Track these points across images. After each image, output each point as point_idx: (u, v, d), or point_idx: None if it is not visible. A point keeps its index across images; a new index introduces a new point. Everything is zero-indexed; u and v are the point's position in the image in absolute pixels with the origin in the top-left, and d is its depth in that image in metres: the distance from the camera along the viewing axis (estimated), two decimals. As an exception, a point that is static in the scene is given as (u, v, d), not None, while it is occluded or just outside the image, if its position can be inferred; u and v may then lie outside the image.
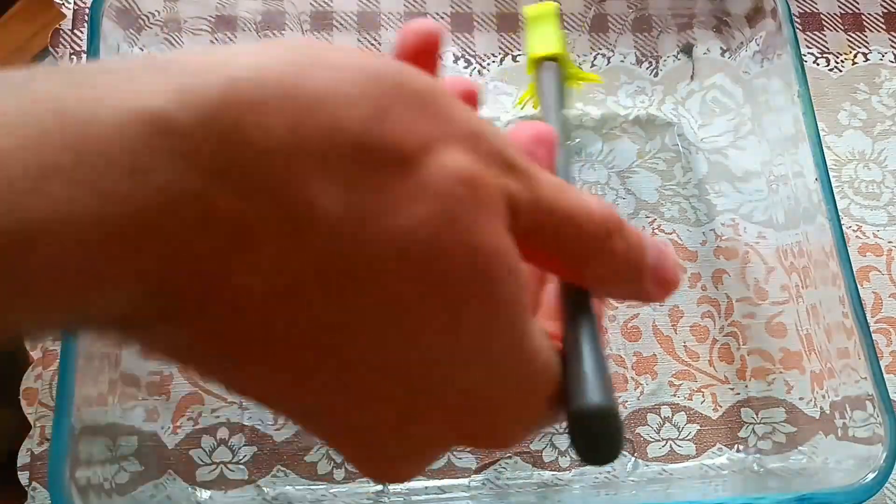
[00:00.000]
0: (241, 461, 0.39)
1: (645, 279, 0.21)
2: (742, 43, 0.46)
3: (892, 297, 0.46)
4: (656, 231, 0.46)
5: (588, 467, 0.40)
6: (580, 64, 0.49)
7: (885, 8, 0.53)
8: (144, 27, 0.41)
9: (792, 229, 0.43)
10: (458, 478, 0.40)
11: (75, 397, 0.31)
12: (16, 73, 0.15)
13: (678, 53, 0.49)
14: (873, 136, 0.50)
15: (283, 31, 0.47)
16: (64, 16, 0.47)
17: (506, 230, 0.18)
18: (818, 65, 0.51)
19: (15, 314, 0.14)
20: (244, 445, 0.40)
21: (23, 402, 0.39)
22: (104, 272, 0.14)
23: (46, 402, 0.39)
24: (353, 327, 0.17)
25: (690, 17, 0.48)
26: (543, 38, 0.32)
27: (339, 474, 0.39)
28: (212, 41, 0.45)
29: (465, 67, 0.49)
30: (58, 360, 0.32)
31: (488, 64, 0.49)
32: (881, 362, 0.39)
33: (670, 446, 0.41)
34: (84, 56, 0.43)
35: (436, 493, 0.39)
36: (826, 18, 0.53)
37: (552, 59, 0.32)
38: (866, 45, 0.52)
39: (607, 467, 0.41)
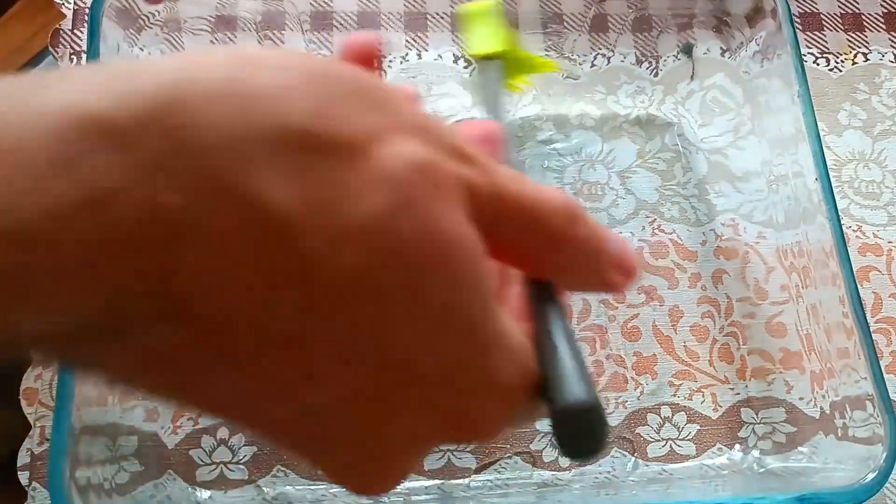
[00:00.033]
0: (241, 461, 0.39)
1: (607, 266, 0.22)
2: (742, 43, 0.46)
3: (892, 297, 0.46)
4: (656, 231, 0.46)
5: (588, 467, 0.40)
6: (580, 62, 0.49)
7: (885, 8, 0.53)
8: (144, 27, 0.41)
9: (792, 229, 0.43)
10: (458, 478, 0.40)
11: (75, 397, 0.31)
12: None
13: (678, 53, 0.49)
14: (873, 136, 0.50)
15: (283, 31, 0.47)
16: (64, 16, 0.47)
17: (465, 217, 0.18)
18: (818, 65, 0.51)
19: None
20: (244, 445, 0.40)
21: (23, 402, 0.39)
22: (51, 274, 0.14)
23: (46, 402, 0.39)
24: (317, 321, 0.16)
25: (690, 17, 0.48)
26: (482, 37, 0.32)
27: (339, 474, 0.39)
28: (212, 41, 0.45)
29: (465, 67, 0.49)
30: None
31: (488, 64, 0.49)
32: (881, 362, 0.39)
33: (670, 446, 0.41)
34: (84, 56, 0.43)
35: (436, 493, 0.39)
36: (826, 18, 0.53)
37: (493, 57, 0.31)
38: (866, 45, 0.52)
39: (607, 467, 0.41)
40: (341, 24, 0.48)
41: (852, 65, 0.51)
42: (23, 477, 0.38)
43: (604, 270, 0.22)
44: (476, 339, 0.18)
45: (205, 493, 0.38)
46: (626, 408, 0.42)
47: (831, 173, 0.45)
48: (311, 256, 0.16)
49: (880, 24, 0.53)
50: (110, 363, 0.17)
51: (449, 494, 0.39)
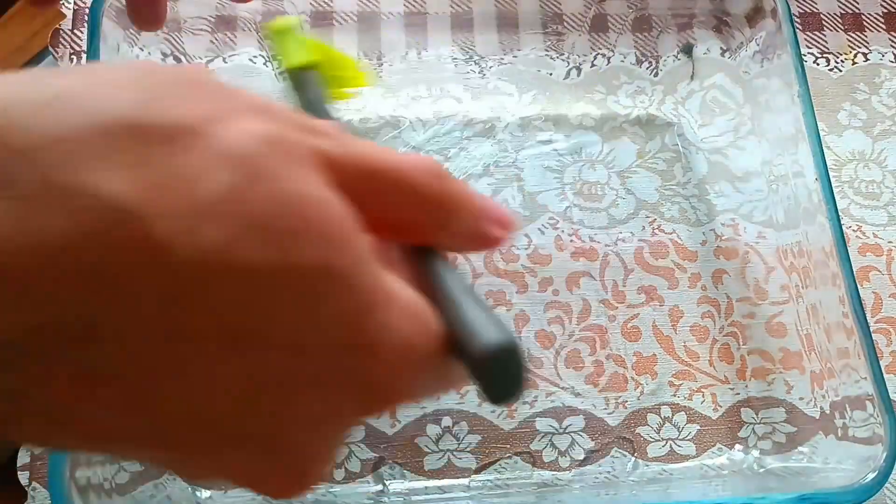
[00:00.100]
0: (241, 461, 0.39)
1: (483, 220, 0.22)
2: (742, 43, 0.46)
3: (892, 297, 0.46)
4: (656, 231, 0.46)
5: (588, 467, 0.40)
6: (581, 62, 0.49)
7: (885, 8, 0.53)
8: (144, 27, 0.41)
9: (792, 229, 0.43)
10: (458, 478, 0.40)
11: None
12: None
13: (678, 53, 0.49)
14: (873, 136, 0.50)
15: (283, 31, 0.47)
16: (64, 16, 0.47)
17: (323, 183, 0.17)
18: (818, 65, 0.51)
19: None
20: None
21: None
22: None
23: (46, 402, 0.39)
24: (187, 309, 0.15)
25: (690, 17, 0.48)
26: (292, 50, 0.32)
27: (338, 474, 0.39)
28: (212, 41, 0.45)
29: (465, 67, 0.49)
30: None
31: (488, 64, 0.49)
32: (881, 362, 0.39)
33: (670, 446, 0.41)
34: (84, 56, 0.43)
35: (436, 493, 0.39)
36: (826, 18, 0.53)
37: (307, 68, 0.32)
38: (866, 45, 0.52)
39: (607, 467, 0.41)
40: (341, 25, 0.48)
41: (852, 65, 0.51)
42: (23, 477, 0.38)
43: (482, 224, 0.22)
44: (360, 300, 0.17)
45: (205, 493, 0.38)
46: (626, 408, 0.42)
47: (831, 173, 0.45)
48: (165, 241, 0.15)
49: (880, 24, 0.53)
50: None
51: (449, 494, 0.39)
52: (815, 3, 0.53)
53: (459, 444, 0.40)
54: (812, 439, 0.40)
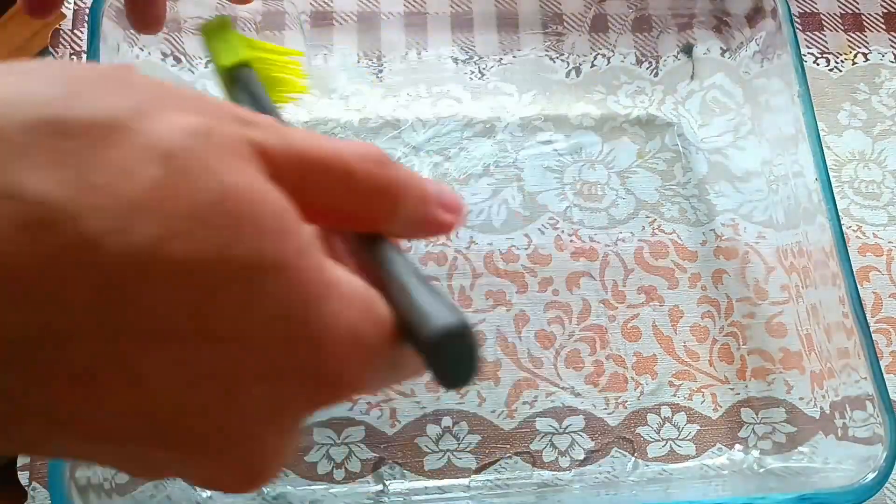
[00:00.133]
0: (241, 461, 0.39)
1: (432, 204, 0.21)
2: (742, 43, 0.46)
3: (892, 297, 0.46)
4: (656, 231, 0.46)
5: (588, 467, 0.40)
6: (581, 62, 0.49)
7: (885, 8, 0.53)
8: (144, 27, 0.41)
9: (792, 229, 0.43)
10: (458, 478, 0.40)
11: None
12: None
13: (678, 53, 0.49)
14: (873, 136, 0.50)
15: (282, 31, 0.47)
16: (64, 16, 0.47)
17: (260, 174, 0.17)
18: (818, 65, 0.51)
19: None
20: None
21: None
22: None
23: (46, 402, 0.39)
24: (122, 306, 0.15)
25: (690, 17, 0.48)
26: (227, 48, 0.32)
27: (339, 474, 0.39)
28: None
29: (465, 66, 0.49)
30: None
31: (488, 64, 0.49)
32: (881, 362, 0.39)
33: (670, 446, 0.41)
34: (84, 56, 0.43)
35: (436, 493, 0.39)
36: (826, 18, 0.53)
37: (242, 66, 0.31)
38: (866, 45, 0.52)
39: (607, 467, 0.41)
40: (341, 25, 0.48)
41: (852, 65, 0.52)
42: (23, 477, 0.38)
43: (430, 209, 0.21)
44: (302, 293, 0.17)
45: (205, 493, 0.38)
46: (626, 408, 0.42)
47: (831, 173, 0.45)
48: (95, 239, 0.15)
49: (880, 24, 0.53)
50: None
51: (449, 494, 0.39)
52: (815, 3, 0.53)
53: (459, 444, 0.40)
54: (812, 439, 0.40)
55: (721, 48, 0.48)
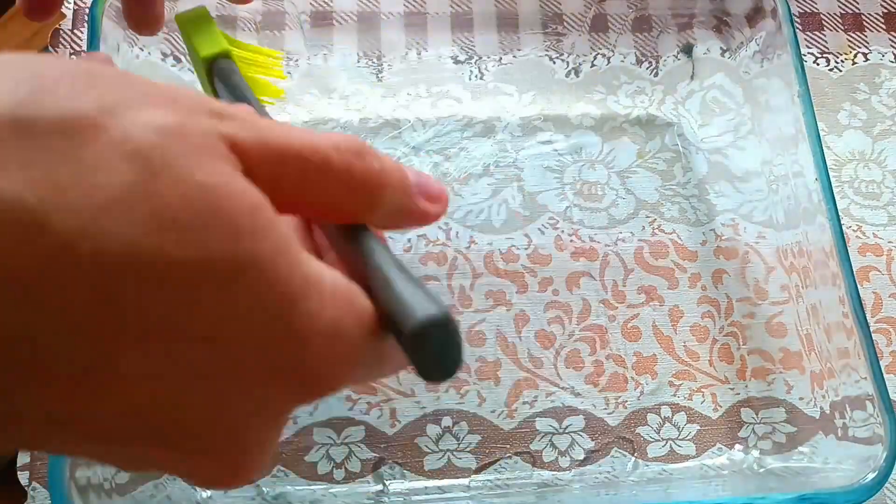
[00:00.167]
0: (241, 461, 0.39)
1: (413, 194, 0.21)
2: (742, 43, 0.46)
3: (892, 297, 0.46)
4: (656, 231, 0.46)
5: (588, 467, 0.40)
6: (580, 62, 0.49)
7: (885, 8, 0.53)
8: (144, 27, 0.41)
9: (792, 229, 0.43)
10: (458, 478, 0.40)
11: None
12: None
13: (678, 53, 0.49)
14: (873, 136, 0.50)
15: (282, 31, 0.47)
16: (64, 16, 0.47)
17: (234, 170, 0.17)
18: (818, 65, 0.51)
19: None
20: (244, 445, 0.39)
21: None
22: None
23: (46, 402, 0.39)
24: (101, 307, 0.15)
25: (690, 17, 0.48)
26: (207, 39, 0.31)
27: (339, 474, 0.39)
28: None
29: (465, 66, 0.49)
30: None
31: (488, 64, 0.49)
32: (881, 362, 0.39)
33: (670, 446, 0.41)
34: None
35: (436, 493, 0.39)
36: (826, 18, 0.53)
37: (222, 56, 0.30)
38: (866, 45, 0.52)
39: (607, 467, 0.41)
40: (341, 25, 0.48)
41: (852, 65, 0.52)
42: (23, 477, 0.38)
43: (412, 200, 0.21)
44: (281, 291, 0.17)
45: (204, 493, 0.38)
46: (626, 408, 0.42)
47: (831, 173, 0.45)
48: (68, 241, 0.14)
49: (880, 24, 0.53)
50: None
51: (449, 494, 0.39)
52: (815, 3, 0.53)
53: (459, 444, 0.40)
54: (812, 439, 0.40)
55: (721, 48, 0.48)
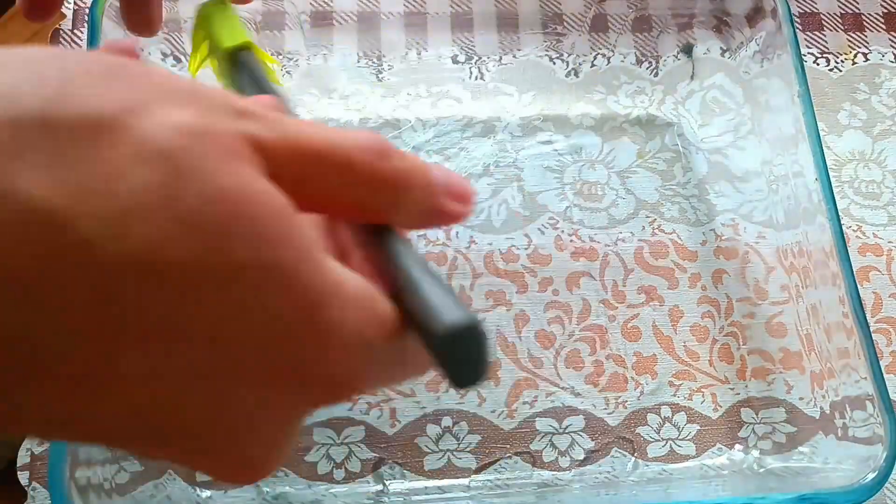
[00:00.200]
0: (241, 461, 0.39)
1: (439, 194, 0.21)
2: (742, 43, 0.46)
3: (892, 297, 0.46)
4: (656, 231, 0.46)
5: (588, 467, 0.40)
6: (580, 62, 0.49)
7: (885, 8, 0.53)
8: (144, 27, 0.41)
9: (792, 229, 0.43)
10: (458, 478, 0.40)
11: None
12: None
13: (678, 53, 0.49)
14: (873, 136, 0.50)
15: (282, 31, 0.47)
16: (64, 16, 0.47)
17: (258, 172, 0.17)
18: (818, 65, 0.51)
19: None
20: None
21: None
22: None
23: (46, 402, 0.39)
24: (120, 307, 0.15)
25: (690, 17, 0.48)
26: (229, 30, 0.30)
27: (339, 474, 0.39)
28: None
29: (465, 66, 0.49)
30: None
31: (488, 64, 0.49)
32: (881, 362, 0.39)
33: (670, 446, 0.41)
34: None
35: (436, 493, 0.39)
36: (826, 18, 0.53)
37: (243, 48, 0.30)
38: (866, 45, 0.52)
39: (607, 467, 0.41)
40: (341, 24, 0.48)
41: (852, 65, 0.51)
42: (23, 477, 0.38)
43: (437, 200, 0.21)
44: (304, 296, 0.17)
45: (205, 493, 0.38)
46: (626, 408, 0.42)
47: (831, 173, 0.45)
48: (92, 242, 0.14)
49: (880, 24, 0.53)
50: None
51: (449, 494, 0.39)
52: (815, 3, 0.53)
53: (459, 444, 0.40)
54: (812, 439, 0.40)
55: (721, 48, 0.48)
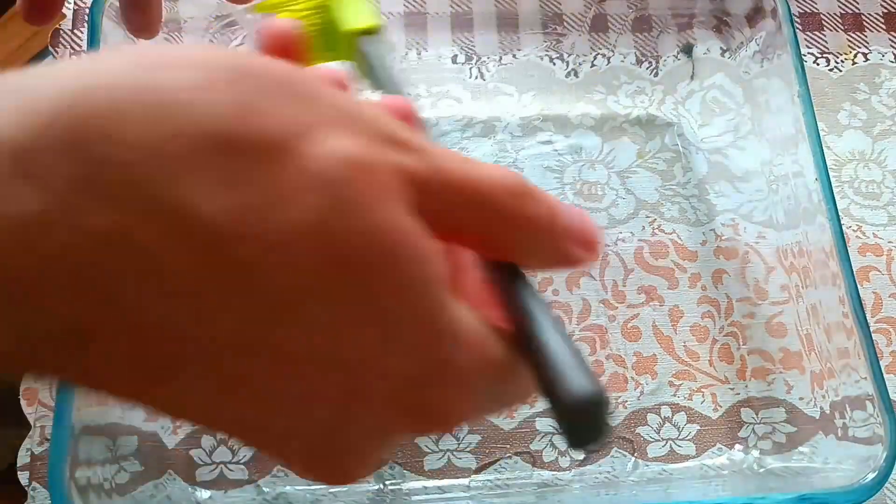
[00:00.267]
0: (241, 461, 0.39)
1: (567, 240, 0.21)
2: (742, 43, 0.46)
3: (892, 297, 0.46)
4: (656, 231, 0.46)
5: (588, 467, 0.40)
6: (580, 62, 0.49)
7: (885, 8, 0.53)
8: (144, 27, 0.41)
9: (792, 229, 0.43)
10: (458, 478, 0.40)
11: (75, 397, 0.31)
12: None
13: (678, 53, 0.49)
14: (873, 136, 0.50)
15: (283, 31, 0.47)
16: (64, 16, 0.47)
17: (407, 209, 0.17)
18: (818, 65, 0.51)
19: None
20: (244, 445, 0.40)
21: (23, 402, 0.39)
22: None
23: (46, 402, 0.39)
24: (264, 328, 0.16)
25: (690, 17, 0.48)
26: (357, 10, 0.29)
27: (339, 474, 0.39)
28: (211, 41, 0.45)
29: (465, 66, 0.49)
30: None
31: (488, 64, 0.49)
32: (881, 362, 0.39)
33: (670, 446, 0.41)
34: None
35: (436, 493, 0.39)
36: (826, 18, 0.53)
37: (372, 31, 0.29)
38: (866, 45, 0.52)
39: (607, 467, 0.41)
40: (341, 24, 0.48)
41: (852, 65, 0.51)
42: (23, 477, 0.38)
43: (562, 246, 0.21)
44: (428, 333, 0.18)
45: (205, 493, 0.38)
46: (626, 408, 0.42)
47: (831, 173, 0.45)
48: (250, 264, 0.15)
49: (880, 24, 0.53)
50: (72, 372, 0.16)
51: (449, 494, 0.39)
52: (815, 3, 0.53)
53: (459, 444, 0.40)
54: (812, 439, 0.40)
55: (721, 48, 0.48)
